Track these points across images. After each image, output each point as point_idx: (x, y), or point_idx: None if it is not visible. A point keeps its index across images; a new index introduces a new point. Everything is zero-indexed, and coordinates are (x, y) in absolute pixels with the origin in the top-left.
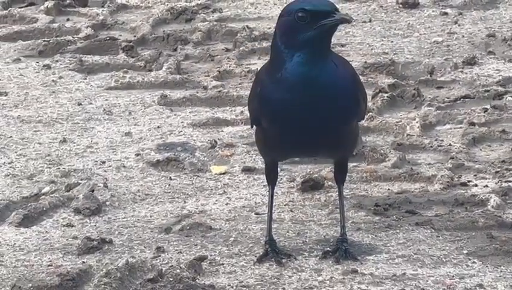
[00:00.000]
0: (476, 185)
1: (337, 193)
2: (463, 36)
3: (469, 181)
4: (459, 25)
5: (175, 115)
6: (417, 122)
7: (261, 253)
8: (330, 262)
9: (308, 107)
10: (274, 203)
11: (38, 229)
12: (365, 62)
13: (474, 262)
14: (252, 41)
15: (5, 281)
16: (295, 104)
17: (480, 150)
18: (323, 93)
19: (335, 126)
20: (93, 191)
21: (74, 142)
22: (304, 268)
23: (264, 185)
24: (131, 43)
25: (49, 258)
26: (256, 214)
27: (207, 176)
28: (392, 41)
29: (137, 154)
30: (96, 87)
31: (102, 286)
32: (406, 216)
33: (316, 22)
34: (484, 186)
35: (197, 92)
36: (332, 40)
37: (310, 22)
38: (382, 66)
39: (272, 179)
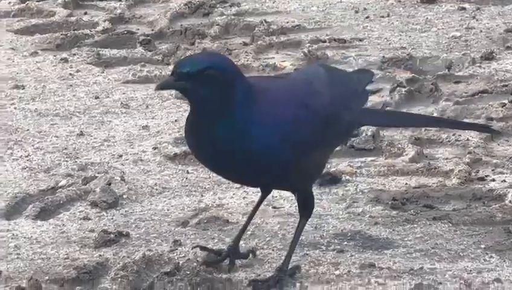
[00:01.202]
0: (493, 180)
1: (297, 225)
2: (481, 31)
3: (487, 176)
4: (477, 20)
5: None
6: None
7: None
8: (348, 256)
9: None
10: (290, 197)
11: (55, 222)
12: (383, 57)
13: (491, 257)
14: (270, 36)
15: (22, 274)
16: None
17: (498, 144)
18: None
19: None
20: (110, 184)
21: (91, 136)
22: (321, 262)
23: None
24: (148, 37)
25: (65, 251)
26: (274, 207)
27: None
28: (410, 36)
29: (154, 148)
30: (113, 80)
31: (119, 279)
32: (423, 211)
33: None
34: (502, 181)
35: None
36: (350, 35)
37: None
38: (400, 60)
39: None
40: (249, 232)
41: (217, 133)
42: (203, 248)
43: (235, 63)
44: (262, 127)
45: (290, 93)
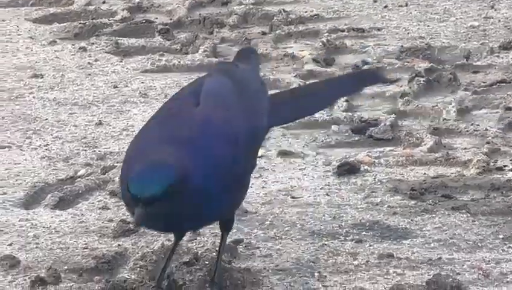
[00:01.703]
0: None
1: (220, 239)
2: (499, 21)
3: (505, 166)
4: (495, 10)
5: None
6: (453, 106)
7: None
8: (366, 246)
9: None
10: (309, 187)
11: (74, 211)
12: (401, 46)
13: (510, 247)
14: (289, 25)
15: (40, 264)
16: None
17: None
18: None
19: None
20: None
21: (110, 125)
22: (339, 252)
23: (300, 169)
24: (167, 26)
25: (84, 241)
26: (293, 197)
27: None
28: (428, 26)
29: None
30: (132, 70)
31: (138, 269)
32: (441, 201)
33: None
34: None
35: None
36: (368, 25)
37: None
38: (418, 50)
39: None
40: (267, 222)
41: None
42: None
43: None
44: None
45: (210, 139)
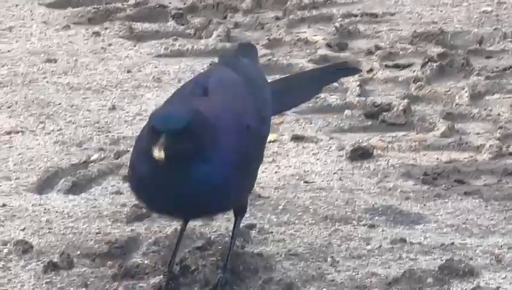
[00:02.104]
0: None
1: (233, 223)
2: None
3: None
4: None
5: None
6: (466, 91)
7: (157, 286)
8: (379, 231)
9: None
10: (322, 172)
11: (87, 196)
12: (414, 31)
13: None
14: (302, 10)
15: (53, 249)
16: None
17: None
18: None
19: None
20: None
21: (123, 110)
22: (352, 237)
23: (313, 154)
24: (181, 11)
25: (97, 226)
26: (306, 182)
27: None
28: (441, 11)
29: None
30: (145, 54)
31: (151, 253)
32: (454, 185)
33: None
34: None
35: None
36: (382, 10)
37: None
38: (431, 35)
39: None
40: (280, 207)
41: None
42: None
43: (267, 37)
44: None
45: (228, 119)
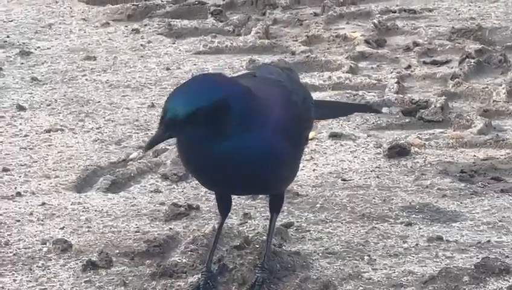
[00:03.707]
0: None
1: (269, 220)
2: None
3: None
4: None
5: None
6: (503, 88)
7: (195, 285)
8: (416, 229)
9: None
10: (360, 170)
11: (126, 195)
12: (452, 27)
13: None
14: (341, 6)
15: (92, 247)
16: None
17: None
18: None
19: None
20: None
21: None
22: (389, 235)
23: (351, 151)
24: (220, 8)
25: (136, 225)
26: (343, 180)
27: None
28: (479, 7)
29: None
30: (184, 51)
31: (189, 252)
32: (491, 183)
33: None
34: None
35: (285, 57)
36: (420, 6)
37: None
38: (469, 31)
39: (222, 209)
40: (318, 205)
41: (222, 151)
42: None
43: (306, 33)
44: (263, 132)
45: (276, 93)
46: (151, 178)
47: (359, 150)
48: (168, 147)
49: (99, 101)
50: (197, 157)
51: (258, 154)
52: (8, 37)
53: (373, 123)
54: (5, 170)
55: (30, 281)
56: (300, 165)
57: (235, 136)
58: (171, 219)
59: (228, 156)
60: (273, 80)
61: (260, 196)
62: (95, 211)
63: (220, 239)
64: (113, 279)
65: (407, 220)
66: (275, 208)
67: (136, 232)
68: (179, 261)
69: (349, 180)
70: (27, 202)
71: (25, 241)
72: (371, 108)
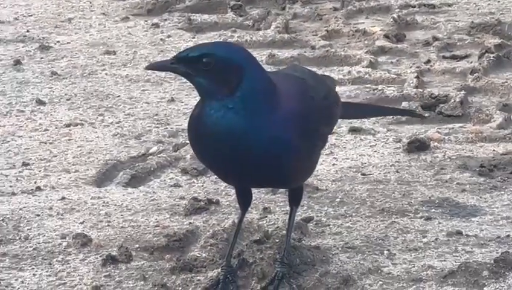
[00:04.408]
0: None
1: (289, 213)
2: None
3: None
4: None
5: None
6: None
7: (214, 279)
8: (436, 223)
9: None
10: (379, 164)
11: (146, 189)
12: (472, 22)
13: None
14: (360, 1)
15: (112, 242)
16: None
17: None
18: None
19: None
20: None
21: (182, 102)
22: (409, 229)
23: (371, 146)
24: (239, 2)
25: (156, 219)
26: (363, 174)
27: None
28: (498, 1)
29: None
30: None
31: (209, 247)
32: (510, 177)
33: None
34: None
35: (305, 52)
36: (439, 0)
37: None
38: (488, 26)
39: (242, 202)
40: (337, 200)
41: (215, 118)
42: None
43: (325, 28)
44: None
45: (294, 86)
46: (171, 172)
47: (379, 145)
48: (187, 141)
49: (119, 96)
50: (197, 122)
51: (259, 140)
52: (27, 31)
53: (392, 118)
54: (25, 164)
55: (50, 276)
56: (320, 160)
57: (240, 112)
58: (190, 214)
59: (223, 128)
60: (293, 75)
61: (280, 190)
62: (115, 205)
63: (240, 233)
64: (132, 273)
65: (426, 214)
66: (294, 201)
67: (155, 226)
68: (199, 255)
69: (369, 174)
70: (47, 197)
71: (44, 235)
72: (413, 113)
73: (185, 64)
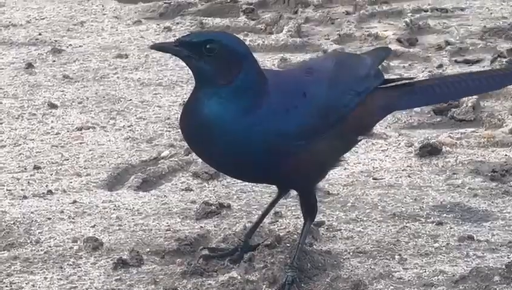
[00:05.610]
0: None
1: (302, 225)
2: None
3: None
4: None
5: None
6: None
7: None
8: (447, 228)
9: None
10: (391, 169)
11: (157, 193)
12: (484, 26)
13: None
14: (372, 5)
15: (123, 245)
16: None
17: None
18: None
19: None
20: None
21: None
22: (420, 234)
23: (382, 150)
24: (252, 6)
25: (167, 223)
26: (374, 179)
27: None
28: (511, 6)
29: None
30: None
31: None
32: None
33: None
34: None
35: (317, 56)
36: (452, 5)
37: None
38: (501, 30)
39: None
40: (349, 204)
41: (207, 107)
42: (211, 250)
43: (338, 32)
44: (257, 113)
45: (291, 83)
46: (182, 176)
47: (390, 149)
48: None
49: (130, 99)
50: (191, 109)
51: (241, 137)
52: (40, 34)
53: (404, 122)
54: (36, 167)
55: (61, 279)
56: None
57: (233, 101)
58: (202, 218)
59: (214, 116)
60: (299, 73)
61: (291, 194)
62: (126, 209)
63: (252, 237)
64: (143, 277)
65: (438, 219)
66: (308, 213)
67: (167, 230)
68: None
69: (381, 179)
70: (58, 200)
71: (55, 239)
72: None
73: (188, 48)
